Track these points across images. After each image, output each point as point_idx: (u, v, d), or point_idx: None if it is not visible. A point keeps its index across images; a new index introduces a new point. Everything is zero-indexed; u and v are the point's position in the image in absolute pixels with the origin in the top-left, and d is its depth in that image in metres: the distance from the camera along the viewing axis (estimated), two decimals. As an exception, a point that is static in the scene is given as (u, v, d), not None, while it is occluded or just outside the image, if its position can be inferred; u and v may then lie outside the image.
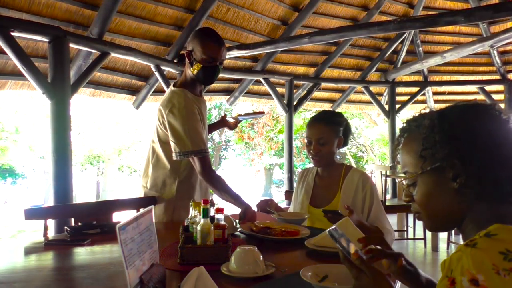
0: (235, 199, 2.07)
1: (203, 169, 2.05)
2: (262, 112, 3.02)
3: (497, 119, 0.87)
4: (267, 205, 2.19)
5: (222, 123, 2.64)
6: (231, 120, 2.60)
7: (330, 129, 2.08)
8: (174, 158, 2.04)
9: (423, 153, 0.90)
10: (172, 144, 2.04)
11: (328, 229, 1.03)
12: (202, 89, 2.27)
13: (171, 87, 2.16)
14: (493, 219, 0.80)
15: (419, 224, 5.23)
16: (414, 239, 5.13)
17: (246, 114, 2.75)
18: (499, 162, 0.83)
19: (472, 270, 0.71)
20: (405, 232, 5.28)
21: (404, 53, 7.16)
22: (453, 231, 4.37)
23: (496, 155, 0.83)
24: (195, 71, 2.11)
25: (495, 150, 0.83)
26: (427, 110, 0.97)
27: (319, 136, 2.07)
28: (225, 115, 2.65)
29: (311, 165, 2.22)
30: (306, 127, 2.15)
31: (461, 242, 0.80)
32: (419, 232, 5.19)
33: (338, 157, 2.16)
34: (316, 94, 6.93)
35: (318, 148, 2.08)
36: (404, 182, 0.95)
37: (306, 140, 2.14)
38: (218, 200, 1.87)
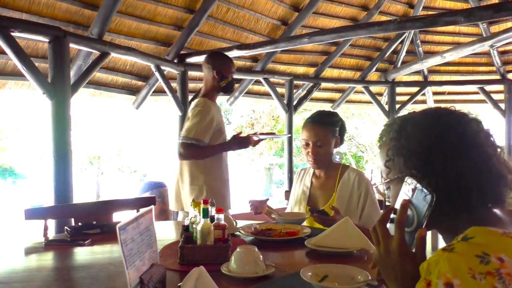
0: (222, 148, 2.63)
1: (181, 154, 2.52)
2: (273, 133, 3.20)
3: (454, 129, 0.85)
4: (262, 206, 2.18)
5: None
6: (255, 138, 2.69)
7: (327, 131, 2.08)
8: (178, 140, 2.54)
9: (387, 163, 0.92)
10: (182, 130, 2.54)
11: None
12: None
13: (197, 98, 2.69)
14: (468, 225, 0.78)
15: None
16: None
17: (261, 134, 2.89)
18: (458, 173, 0.82)
19: (448, 273, 0.70)
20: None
21: (404, 53, 7.16)
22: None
23: (453, 166, 0.82)
24: (224, 84, 2.68)
25: (453, 161, 0.82)
26: (403, 113, 0.98)
27: (317, 138, 2.06)
28: (240, 132, 2.85)
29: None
30: (302, 129, 2.13)
31: None
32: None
33: (337, 157, 2.16)
34: (316, 94, 6.92)
35: (316, 151, 2.07)
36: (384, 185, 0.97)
37: (303, 142, 2.13)
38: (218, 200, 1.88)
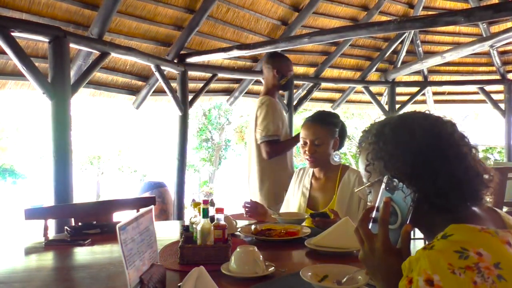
0: (295, 141, 2.80)
1: (269, 153, 2.70)
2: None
3: (430, 131, 0.88)
4: (257, 208, 2.16)
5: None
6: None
7: (326, 130, 2.06)
8: (258, 142, 2.73)
9: (367, 168, 0.94)
10: (258, 131, 2.72)
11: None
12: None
13: (260, 97, 2.91)
14: (448, 223, 0.80)
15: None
16: (414, 239, 5.12)
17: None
18: (436, 172, 0.84)
19: (428, 270, 0.72)
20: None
21: (404, 53, 7.15)
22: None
23: (431, 167, 0.84)
24: (283, 82, 2.89)
25: (430, 161, 0.85)
26: (379, 118, 0.99)
27: (315, 137, 2.05)
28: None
29: None
30: (301, 127, 2.12)
31: None
32: (419, 232, 5.18)
33: (336, 158, 2.14)
34: (316, 94, 6.92)
35: (313, 149, 2.06)
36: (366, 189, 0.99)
37: (301, 141, 2.12)
38: (218, 200, 1.87)
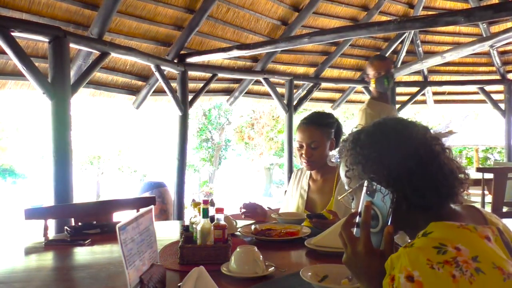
0: None
1: None
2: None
3: (402, 133, 0.92)
4: (256, 209, 2.14)
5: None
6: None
7: (322, 132, 2.03)
8: None
9: (347, 174, 0.98)
10: None
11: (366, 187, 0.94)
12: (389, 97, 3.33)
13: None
14: (428, 222, 0.83)
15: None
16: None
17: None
18: (410, 172, 0.87)
19: (408, 267, 0.74)
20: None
21: (404, 53, 7.15)
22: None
23: (404, 166, 0.87)
24: (386, 83, 3.07)
25: (404, 161, 0.88)
26: (358, 128, 1.02)
27: (311, 140, 2.02)
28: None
29: None
30: (297, 130, 2.08)
31: None
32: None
33: (333, 159, 2.12)
34: (316, 94, 6.92)
35: (310, 152, 2.03)
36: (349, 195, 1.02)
37: (296, 144, 2.09)
38: (218, 200, 1.87)
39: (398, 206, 0.86)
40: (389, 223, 0.86)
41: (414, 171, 0.87)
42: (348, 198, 1.02)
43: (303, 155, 2.05)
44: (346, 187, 1.01)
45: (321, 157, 2.06)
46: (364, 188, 0.91)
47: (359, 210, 0.92)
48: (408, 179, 0.87)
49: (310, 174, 2.19)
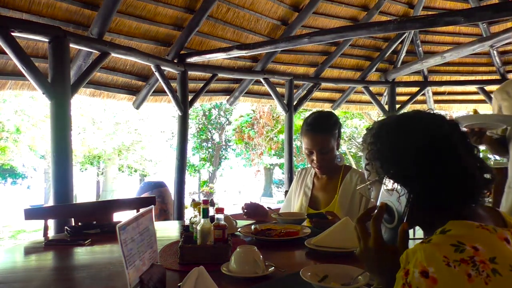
0: None
1: None
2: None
3: (425, 133, 0.89)
4: (257, 209, 2.15)
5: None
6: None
7: (330, 136, 2.04)
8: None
9: (366, 166, 0.98)
10: None
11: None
12: None
13: None
14: (446, 221, 0.82)
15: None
16: (414, 238, 5.11)
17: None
18: (430, 174, 0.85)
19: (423, 262, 0.73)
20: (405, 232, 5.29)
21: (404, 53, 7.15)
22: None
23: (424, 169, 0.86)
24: None
25: (424, 164, 0.86)
26: (382, 117, 1.02)
27: (320, 146, 2.02)
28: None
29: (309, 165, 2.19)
30: (303, 136, 2.07)
31: None
32: (419, 232, 5.18)
33: (338, 160, 2.13)
34: (316, 94, 6.92)
35: (321, 158, 2.04)
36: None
37: (306, 151, 2.08)
38: (218, 200, 1.86)
39: (415, 205, 0.87)
40: (404, 220, 0.87)
41: (432, 173, 0.86)
42: (367, 189, 1.03)
43: (314, 161, 2.05)
44: (366, 178, 1.01)
45: (332, 160, 2.08)
46: (382, 186, 0.92)
47: (377, 204, 0.94)
48: (426, 181, 0.86)
49: (315, 172, 2.19)
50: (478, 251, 0.73)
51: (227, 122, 18.06)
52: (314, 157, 2.04)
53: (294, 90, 6.46)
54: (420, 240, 0.80)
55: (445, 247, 0.74)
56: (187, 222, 1.63)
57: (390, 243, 0.90)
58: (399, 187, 0.88)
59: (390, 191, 0.90)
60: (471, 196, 0.87)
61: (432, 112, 0.96)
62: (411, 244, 0.86)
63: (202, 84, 5.43)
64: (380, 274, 0.90)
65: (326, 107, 7.38)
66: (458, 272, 0.71)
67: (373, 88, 7.12)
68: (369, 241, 0.90)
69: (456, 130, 0.91)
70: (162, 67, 4.68)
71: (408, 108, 7.52)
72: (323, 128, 2.04)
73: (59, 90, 3.25)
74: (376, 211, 0.91)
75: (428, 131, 0.90)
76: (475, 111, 2.14)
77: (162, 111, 15.73)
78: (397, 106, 7.19)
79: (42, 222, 2.07)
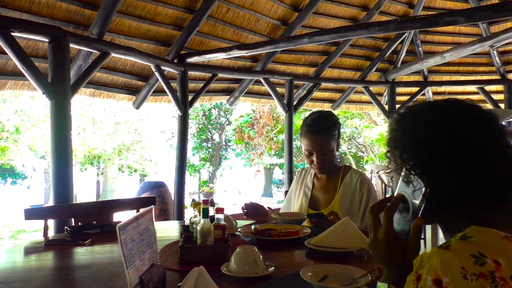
0: None
1: None
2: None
3: (451, 129, 0.81)
4: (257, 209, 2.14)
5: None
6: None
7: (330, 137, 2.03)
8: None
9: (387, 154, 0.92)
10: None
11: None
12: None
13: None
14: (468, 223, 0.76)
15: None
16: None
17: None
18: (445, 174, 0.79)
19: (438, 270, 0.69)
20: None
21: (404, 53, 7.16)
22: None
23: (440, 167, 0.80)
24: None
25: (439, 161, 0.80)
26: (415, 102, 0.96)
27: (320, 147, 2.02)
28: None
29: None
30: (303, 137, 2.07)
31: None
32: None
33: (338, 160, 2.13)
34: (316, 94, 6.93)
35: (321, 159, 2.04)
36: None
37: (306, 153, 2.08)
38: (218, 200, 1.86)
39: (433, 201, 0.81)
40: (419, 216, 0.82)
41: (452, 171, 0.79)
42: (387, 175, 1.00)
43: (314, 162, 2.05)
44: (387, 165, 0.95)
45: (332, 160, 2.08)
46: (401, 176, 0.87)
47: (395, 194, 0.89)
48: (444, 178, 0.79)
49: (315, 172, 2.19)
50: (500, 266, 0.67)
51: (227, 122, 18.06)
52: (314, 158, 2.04)
53: (294, 90, 6.46)
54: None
55: (464, 257, 0.68)
56: (187, 222, 1.63)
57: (404, 236, 0.84)
58: (416, 179, 0.82)
59: (407, 183, 0.84)
60: (498, 200, 0.80)
61: (464, 101, 0.86)
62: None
63: (202, 84, 5.43)
64: (388, 268, 0.86)
65: (326, 107, 7.38)
66: (475, 287, 0.65)
67: (373, 88, 7.12)
68: (379, 232, 0.86)
69: (490, 124, 0.82)
70: (162, 67, 4.68)
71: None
72: (323, 129, 2.03)
73: (59, 90, 3.25)
74: (391, 201, 0.86)
75: (455, 124, 0.81)
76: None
77: (162, 111, 15.72)
78: (397, 106, 7.19)
79: (42, 222, 2.07)
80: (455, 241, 0.73)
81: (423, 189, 0.81)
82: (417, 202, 0.83)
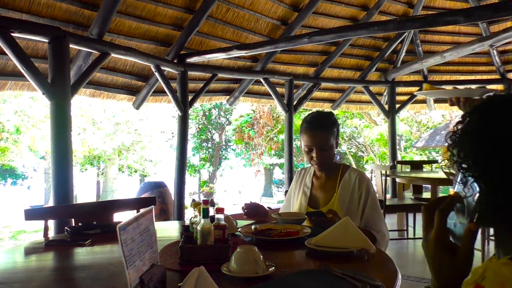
0: None
1: None
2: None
3: (508, 120, 0.72)
4: (257, 209, 2.15)
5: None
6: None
7: (329, 134, 2.05)
8: None
9: (449, 147, 0.81)
10: None
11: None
12: None
13: None
14: None
15: (419, 224, 5.23)
16: (414, 238, 5.13)
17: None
18: (506, 181, 0.70)
19: (507, 285, 0.62)
20: (405, 231, 5.29)
21: (404, 53, 7.16)
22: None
23: (500, 172, 0.70)
24: None
25: (500, 166, 0.70)
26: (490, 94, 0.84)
27: (320, 144, 2.04)
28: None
29: (309, 164, 2.20)
30: (303, 133, 2.09)
31: None
32: (419, 232, 5.18)
33: (337, 157, 2.14)
34: (316, 94, 6.93)
35: (321, 155, 2.05)
36: None
37: (305, 149, 2.10)
38: (218, 200, 1.86)
39: (490, 205, 0.72)
40: (473, 220, 0.74)
41: None
42: (447, 169, 0.89)
43: (314, 158, 2.06)
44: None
45: (331, 157, 2.09)
46: (459, 174, 0.79)
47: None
48: (506, 186, 0.70)
49: (314, 172, 2.20)
50: None
51: (227, 122, 18.06)
52: (314, 154, 2.05)
53: (294, 90, 6.47)
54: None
55: None
56: (187, 222, 1.63)
57: (458, 241, 0.78)
58: (473, 183, 0.74)
59: (464, 184, 0.77)
60: None
61: None
62: None
63: (202, 84, 5.43)
64: (433, 272, 0.79)
65: (326, 107, 7.38)
66: None
67: (373, 88, 7.12)
68: (429, 233, 0.80)
69: None
70: (162, 67, 4.69)
71: (408, 108, 7.53)
72: (323, 126, 2.06)
73: (59, 90, 3.25)
74: (445, 202, 0.79)
75: None
76: (431, 87, 1.89)
77: (162, 111, 15.73)
78: (397, 106, 7.19)
79: (42, 222, 2.07)
80: None
81: (477, 194, 0.74)
82: (471, 205, 0.75)
